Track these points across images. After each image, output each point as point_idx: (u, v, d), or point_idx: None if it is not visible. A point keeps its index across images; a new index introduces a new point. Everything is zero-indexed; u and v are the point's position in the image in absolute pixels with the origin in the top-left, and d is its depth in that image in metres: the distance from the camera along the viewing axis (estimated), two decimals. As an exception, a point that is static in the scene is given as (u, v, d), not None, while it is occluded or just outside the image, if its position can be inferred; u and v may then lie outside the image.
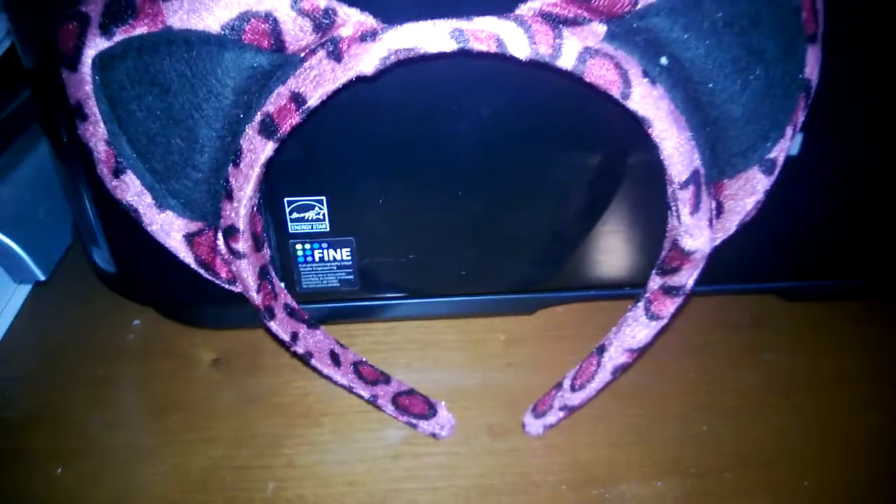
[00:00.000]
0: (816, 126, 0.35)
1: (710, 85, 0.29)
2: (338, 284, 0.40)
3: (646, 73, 0.27)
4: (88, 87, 0.29)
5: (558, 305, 0.47)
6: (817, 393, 0.42)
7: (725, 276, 0.43)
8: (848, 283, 0.46)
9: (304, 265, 0.39)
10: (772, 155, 0.31)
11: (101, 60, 0.28)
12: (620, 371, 0.36)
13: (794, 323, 0.47)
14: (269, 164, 0.29)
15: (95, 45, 0.28)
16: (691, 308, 0.46)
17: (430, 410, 0.39)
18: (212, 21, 0.27)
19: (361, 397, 0.38)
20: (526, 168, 0.37)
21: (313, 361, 0.36)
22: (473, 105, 0.34)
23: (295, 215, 0.37)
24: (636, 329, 0.35)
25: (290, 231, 0.38)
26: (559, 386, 0.39)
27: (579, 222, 0.40)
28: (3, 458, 0.39)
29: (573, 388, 0.38)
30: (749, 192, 0.32)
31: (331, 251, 0.39)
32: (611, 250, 0.41)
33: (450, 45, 0.26)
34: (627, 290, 0.43)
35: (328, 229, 0.38)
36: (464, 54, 0.26)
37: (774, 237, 0.41)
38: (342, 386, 0.38)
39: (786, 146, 0.31)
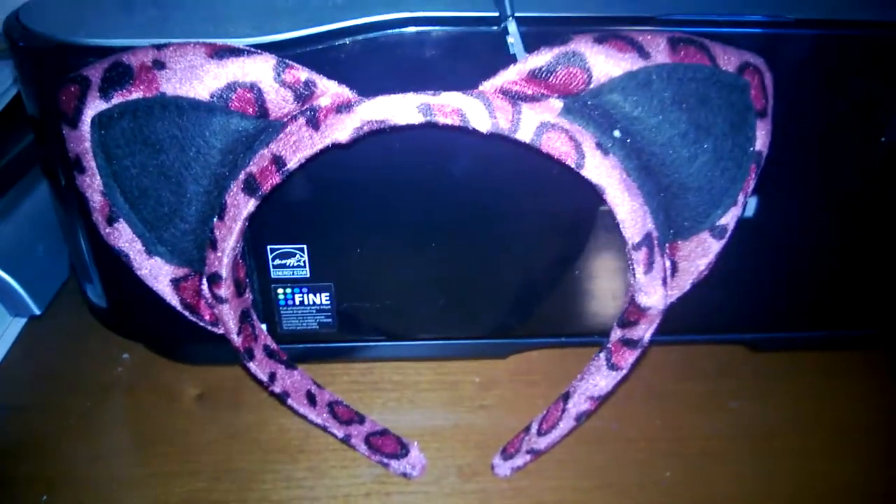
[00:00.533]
0: (769, 190, 0.38)
1: (662, 156, 0.31)
2: (317, 327, 0.42)
3: (599, 145, 0.30)
4: (87, 144, 0.31)
5: (532, 350, 0.49)
6: (780, 442, 0.44)
7: (692, 327, 0.45)
8: (811, 334, 0.48)
9: (286, 308, 0.41)
10: (722, 221, 0.33)
11: (100, 120, 0.31)
12: (584, 417, 0.38)
13: (759, 372, 0.48)
14: (254, 215, 0.32)
15: (95, 107, 0.31)
16: (659, 356, 0.48)
17: (401, 450, 0.41)
18: (202, 89, 0.30)
19: (335, 436, 0.40)
20: (497, 223, 0.39)
21: (289, 401, 0.38)
22: (446, 166, 0.36)
23: (277, 262, 0.39)
24: (598, 378, 0.37)
25: (273, 276, 0.40)
26: (527, 430, 0.40)
27: (549, 274, 0.42)
28: (-8, 485, 0.40)
29: (540, 433, 0.39)
30: (701, 253, 0.34)
31: (311, 296, 0.41)
32: (580, 301, 0.43)
33: (417, 118, 0.28)
34: (596, 338, 0.45)
35: (308, 275, 0.40)
36: (430, 126, 0.29)
37: (737, 291, 0.43)
38: (317, 425, 0.39)
39: (737, 213, 0.33)
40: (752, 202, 0.39)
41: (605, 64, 0.29)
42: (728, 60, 0.31)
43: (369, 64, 0.33)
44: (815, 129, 0.37)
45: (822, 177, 0.39)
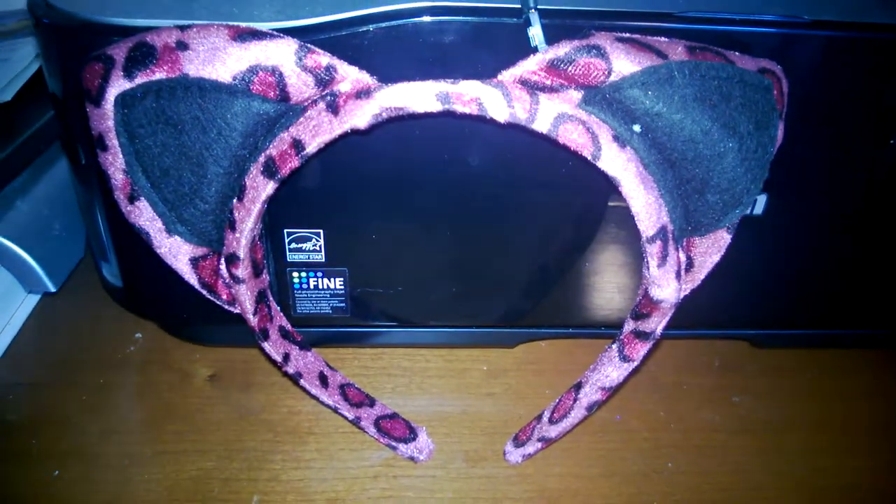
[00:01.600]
0: (779, 188, 0.38)
1: (684, 152, 0.31)
2: (330, 311, 0.43)
3: (616, 137, 0.30)
4: (110, 122, 0.32)
5: (539, 340, 0.49)
6: (781, 437, 0.44)
7: (698, 323, 0.46)
8: (814, 332, 0.49)
9: (300, 292, 0.42)
10: (739, 220, 0.33)
11: (123, 99, 0.31)
12: (595, 407, 0.39)
13: (762, 368, 0.49)
14: (272, 198, 0.32)
15: (118, 86, 0.31)
16: (664, 349, 0.49)
17: (410, 434, 0.41)
18: (224, 72, 0.30)
19: (346, 418, 0.41)
20: (511, 213, 0.39)
21: (302, 382, 0.38)
22: (462, 154, 0.36)
23: (293, 245, 0.40)
24: (609, 369, 0.37)
25: (288, 259, 0.40)
26: (539, 418, 0.41)
27: (561, 264, 0.42)
28: (4, 459, 0.41)
29: (551, 421, 0.40)
30: (717, 249, 0.34)
31: (325, 280, 0.41)
32: (589, 293, 0.44)
33: (435, 106, 0.29)
34: (604, 330, 0.46)
35: (324, 260, 0.40)
36: (448, 114, 0.29)
37: (744, 288, 0.44)
38: (328, 406, 0.40)
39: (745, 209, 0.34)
40: (762, 200, 0.39)
41: (625, 58, 0.29)
42: (745, 65, 0.31)
43: (390, 51, 0.33)
44: (826, 128, 0.38)
45: (832, 176, 0.40)
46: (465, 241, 0.40)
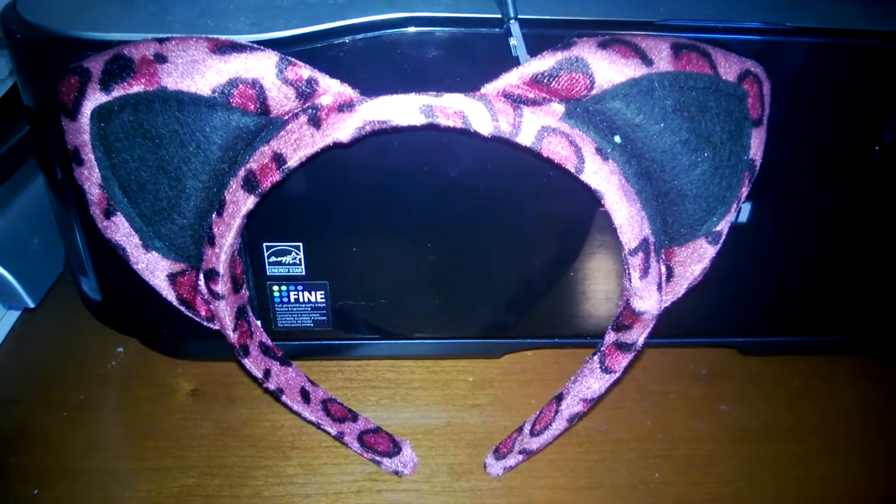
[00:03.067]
0: (764, 196, 0.38)
1: (662, 163, 0.31)
2: (312, 325, 0.42)
3: (599, 150, 0.30)
4: (86, 136, 0.31)
5: (525, 350, 0.49)
6: (769, 446, 0.44)
7: (685, 330, 0.46)
8: (802, 339, 0.49)
9: (280, 305, 0.41)
10: (717, 228, 0.33)
11: (100, 113, 0.31)
12: (577, 419, 0.38)
13: (750, 376, 0.49)
14: (251, 212, 0.32)
15: (95, 99, 0.31)
16: (651, 358, 0.49)
17: (394, 448, 0.41)
18: (203, 84, 0.30)
19: (329, 434, 0.40)
20: (495, 223, 0.39)
21: (283, 398, 0.38)
22: (443, 165, 0.36)
23: (273, 259, 0.39)
24: (591, 381, 0.37)
25: (268, 273, 0.40)
26: (520, 430, 0.41)
27: (544, 275, 0.42)
28: (-18, 477, 0.40)
29: (532, 433, 0.40)
30: (697, 259, 0.34)
31: (306, 293, 0.41)
32: (574, 302, 0.43)
33: (419, 120, 0.29)
34: (591, 339, 0.45)
35: (304, 273, 0.40)
36: (432, 128, 0.29)
37: (730, 296, 0.44)
38: (310, 422, 0.40)
39: (731, 219, 0.34)
40: (747, 208, 0.39)
41: (608, 70, 0.29)
42: (729, 68, 0.31)
43: (369, 63, 0.33)
44: (810, 135, 0.38)
45: (816, 183, 0.40)
46: (449, 252, 0.40)
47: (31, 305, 0.47)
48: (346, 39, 0.32)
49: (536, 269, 0.41)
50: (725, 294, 0.43)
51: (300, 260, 0.39)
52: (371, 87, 0.30)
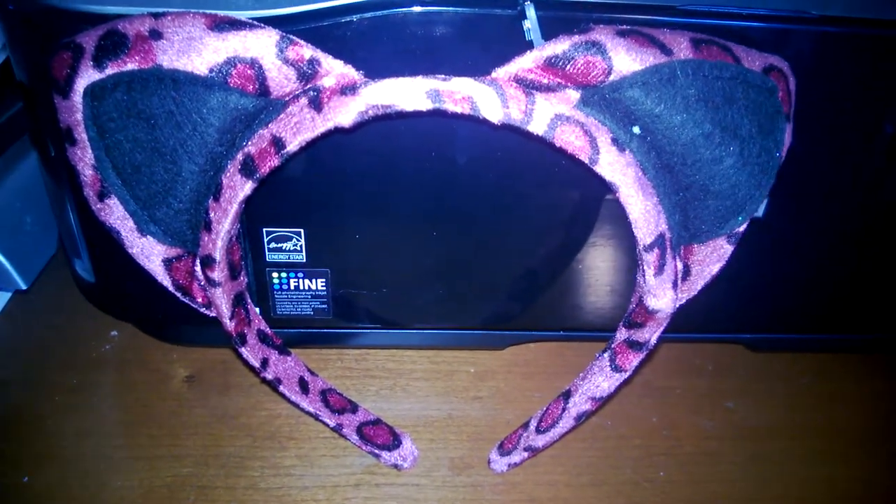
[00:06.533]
0: (781, 191, 0.37)
1: (684, 156, 0.30)
2: (312, 312, 0.41)
3: (615, 140, 0.28)
4: (79, 115, 0.30)
5: (528, 343, 0.48)
6: (775, 444, 0.43)
7: (692, 326, 0.44)
8: (811, 336, 0.47)
9: (280, 293, 0.40)
10: (741, 228, 0.32)
11: (93, 91, 0.29)
12: (584, 417, 0.37)
13: (757, 372, 0.48)
14: (250, 196, 0.30)
15: (88, 76, 0.29)
16: (658, 352, 0.48)
17: (394, 441, 0.40)
18: (200, 63, 0.28)
19: (327, 425, 0.39)
20: (500, 212, 0.38)
21: (281, 388, 0.37)
22: (449, 152, 0.35)
23: (273, 245, 0.38)
24: (600, 379, 0.36)
25: (268, 260, 0.39)
26: (525, 426, 0.39)
27: (549, 266, 0.41)
28: (-28, 463, 0.39)
29: (538, 430, 0.39)
30: (716, 259, 0.33)
31: (306, 281, 0.40)
32: (580, 295, 0.42)
33: (425, 105, 0.27)
34: (596, 333, 0.44)
35: (304, 260, 0.39)
36: (438, 114, 0.27)
37: (741, 291, 0.43)
38: (308, 413, 0.39)
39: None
40: (763, 203, 0.38)
41: (627, 56, 0.28)
42: (752, 63, 0.30)
43: (376, 44, 0.31)
44: (830, 128, 0.36)
45: (836, 178, 0.38)
46: (453, 241, 0.39)
47: (23, 287, 0.46)
48: (353, 18, 0.31)
49: (541, 259, 0.40)
50: (737, 290, 0.42)
51: (301, 246, 0.38)
52: (377, 68, 0.29)
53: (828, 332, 0.47)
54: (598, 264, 0.41)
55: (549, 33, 0.29)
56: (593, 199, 0.38)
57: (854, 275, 0.43)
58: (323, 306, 0.41)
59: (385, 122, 0.31)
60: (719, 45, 0.29)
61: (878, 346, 0.49)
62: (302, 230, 0.38)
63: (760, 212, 0.38)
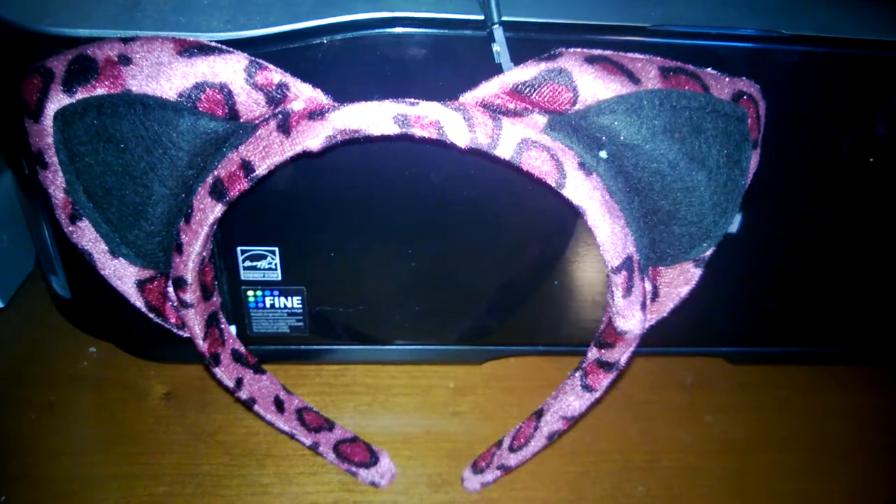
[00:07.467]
0: (754, 207, 0.37)
1: (650, 183, 0.30)
2: (288, 330, 0.41)
3: (582, 165, 0.29)
4: (49, 139, 0.30)
5: (507, 357, 0.48)
6: (754, 458, 0.43)
7: (671, 340, 0.44)
8: (790, 349, 0.48)
9: (256, 311, 0.40)
10: (707, 254, 0.32)
11: (63, 115, 0.29)
12: (556, 436, 0.37)
13: (736, 385, 0.48)
14: (224, 214, 0.30)
15: (58, 101, 0.29)
16: (636, 366, 0.48)
17: (371, 459, 0.40)
18: (169, 88, 0.28)
19: (303, 444, 0.39)
20: (474, 230, 0.38)
21: (256, 408, 0.37)
22: (424, 170, 0.35)
23: (248, 263, 0.38)
24: (571, 398, 0.36)
25: (243, 278, 0.39)
26: (499, 444, 0.39)
27: (526, 282, 0.41)
28: (-53, 483, 0.39)
29: (511, 449, 0.39)
30: (683, 282, 0.33)
31: (282, 299, 0.40)
32: (557, 309, 0.42)
33: (393, 129, 0.27)
34: (574, 347, 0.44)
35: (280, 278, 0.39)
36: (406, 138, 0.27)
37: (719, 305, 0.43)
38: (284, 432, 0.38)
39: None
40: (737, 219, 0.38)
41: (593, 84, 0.28)
42: (721, 90, 0.30)
43: (347, 65, 0.31)
44: (802, 145, 0.37)
45: (808, 194, 0.39)
46: (429, 258, 0.39)
47: (0, 305, 0.46)
48: (324, 40, 0.31)
49: (518, 275, 0.40)
50: (715, 303, 0.42)
51: (276, 265, 0.38)
52: (348, 90, 0.29)
53: (807, 345, 0.47)
54: (574, 279, 0.41)
55: (520, 54, 0.29)
56: (569, 214, 0.38)
57: (831, 288, 0.43)
58: (299, 324, 0.41)
59: (360, 146, 0.32)
60: (688, 74, 0.29)
61: (857, 359, 0.49)
62: (277, 248, 0.38)
63: (735, 227, 0.38)
